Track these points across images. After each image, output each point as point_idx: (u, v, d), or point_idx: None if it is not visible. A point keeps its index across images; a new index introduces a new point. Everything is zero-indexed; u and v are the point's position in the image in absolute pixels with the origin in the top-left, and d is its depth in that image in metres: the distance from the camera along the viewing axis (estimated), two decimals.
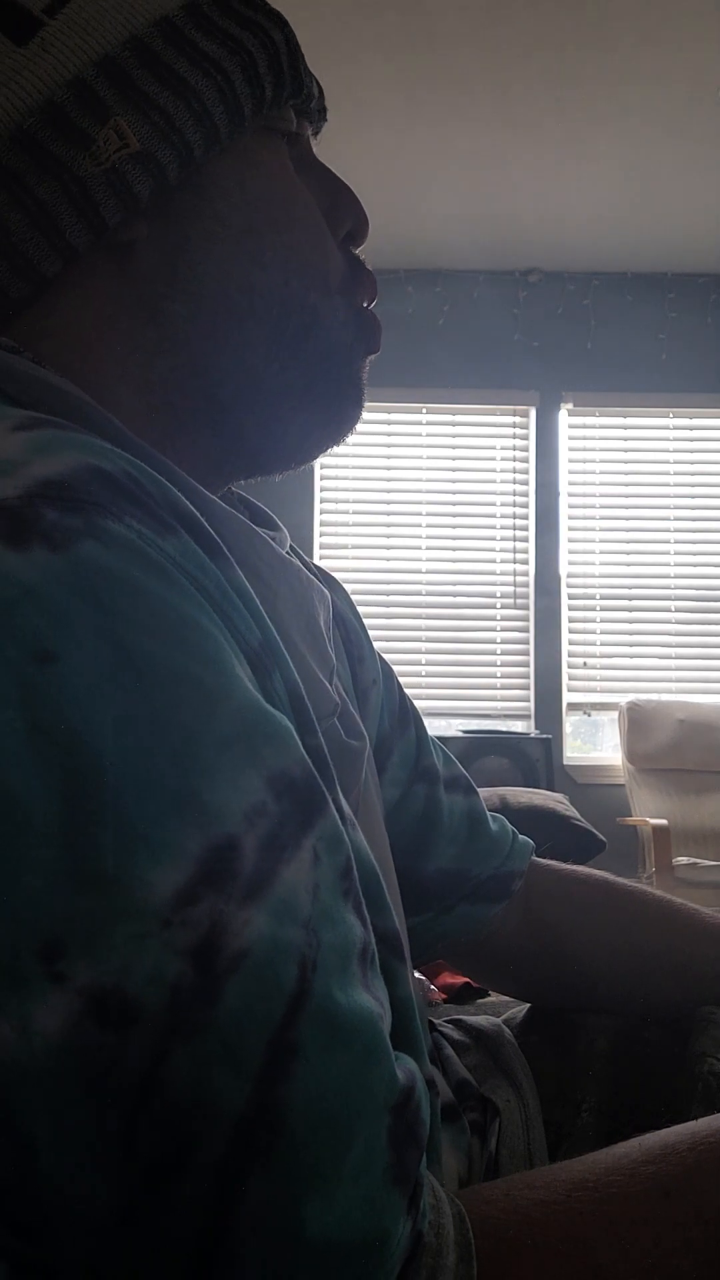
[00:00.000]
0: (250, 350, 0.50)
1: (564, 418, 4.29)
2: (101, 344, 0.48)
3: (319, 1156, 0.30)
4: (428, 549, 4.26)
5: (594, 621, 4.26)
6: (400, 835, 0.66)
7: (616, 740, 3.96)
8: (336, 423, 0.54)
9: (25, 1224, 0.29)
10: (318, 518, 4.22)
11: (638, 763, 3.82)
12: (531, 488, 4.26)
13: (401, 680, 0.73)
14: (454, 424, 4.33)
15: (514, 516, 4.29)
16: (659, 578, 4.27)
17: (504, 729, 3.99)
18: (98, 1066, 0.28)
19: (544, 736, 3.81)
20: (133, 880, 0.29)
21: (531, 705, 4.18)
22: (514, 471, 4.31)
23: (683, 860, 3.38)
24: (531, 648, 4.20)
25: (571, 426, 4.31)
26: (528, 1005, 0.78)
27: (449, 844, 0.69)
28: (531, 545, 4.24)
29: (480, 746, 3.65)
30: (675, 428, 4.32)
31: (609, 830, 3.30)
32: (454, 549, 4.28)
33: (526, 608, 4.23)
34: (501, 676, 4.24)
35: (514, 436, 4.33)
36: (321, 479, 4.25)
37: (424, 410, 4.29)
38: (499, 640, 4.25)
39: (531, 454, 4.27)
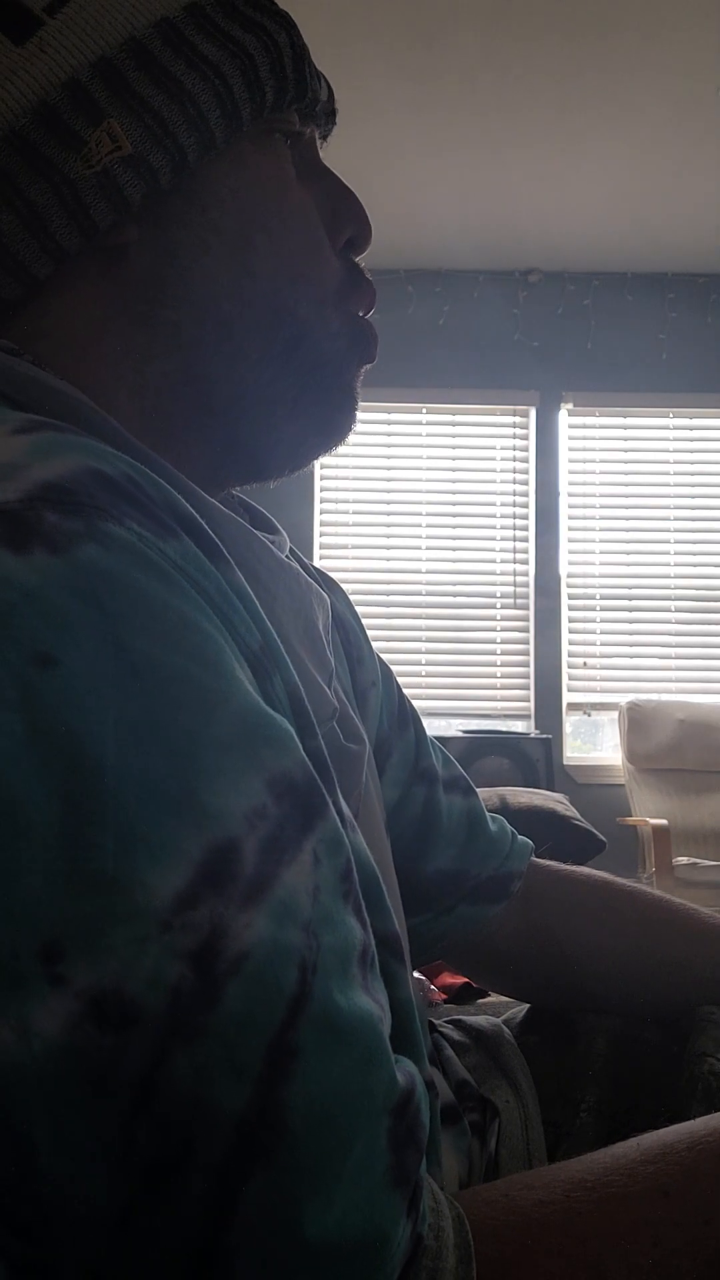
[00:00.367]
0: (241, 359, 0.49)
1: (564, 418, 4.28)
2: (95, 347, 0.48)
3: (319, 1159, 0.30)
4: (428, 549, 4.26)
5: (594, 621, 4.26)
6: (399, 836, 0.66)
7: (616, 740, 3.96)
8: (328, 431, 0.54)
9: (25, 1224, 0.29)
10: (318, 518, 4.22)
11: (638, 763, 3.82)
12: (531, 488, 4.26)
13: (401, 680, 0.73)
14: (454, 424, 4.33)
15: (514, 517, 4.29)
16: (659, 578, 4.27)
17: (504, 729, 3.99)
18: (97, 1068, 0.28)
19: (544, 736, 3.81)
20: (133, 883, 0.29)
21: (531, 705, 4.18)
22: (514, 471, 4.31)
23: (683, 860, 3.38)
24: (531, 648, 4.20)
25: (571, 426, 4.31)
26: (527, 1005, 0.78)
27: (448, 845, 0.69)
28: (531, 545, 4.24)
29: (480, 746, 3.65)
30: (675, 428, 4.32)
31: (609, 830, 3.30)
32: (454, 549, 4.28)
33: (526, 608, 4.23)
34: (501, 676, 4.24)
35: (514, 436, 4.33)
36: (321, 479, 4.24)
37: (424, 410, 4.29)
38: (499, 640, 4.25)
39: (531, 454, 4.27)
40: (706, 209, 3.75)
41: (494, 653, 4.25)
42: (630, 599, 4.26)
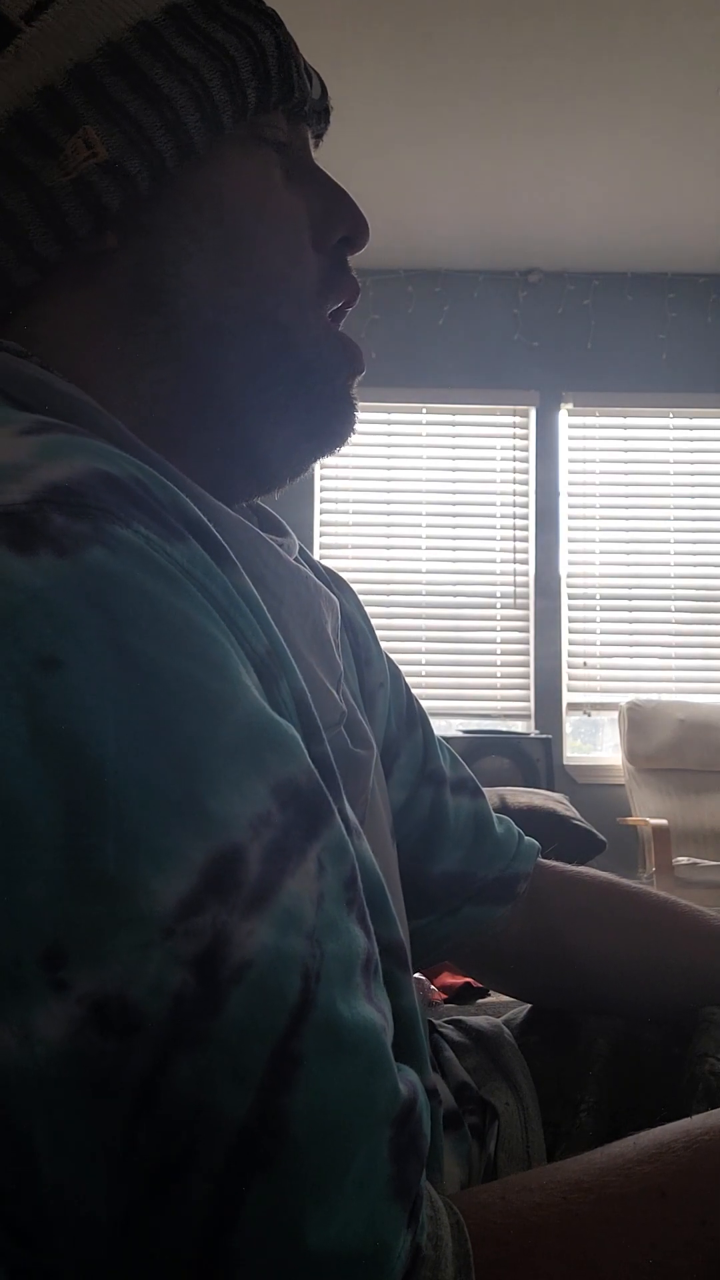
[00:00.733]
0: (229, 367, 0.49)
1: (564, 418, 4.28)
2: (87, 355, 0.47)
3: (320, 1168, 0.30)
4: (428, 549, 4.26)
5: (594, 621, 4.26)
6: (406, 838, 0.66)
7: (616, 740, 3.95)
8: (323, 437, 0.53)
9: (26, 1230, 0.29)
10: (318, 518, 4.22)
11: (638, 763, 3.81)
12: (531, 488, 4.26)
13: None
14: (454, 424, 4.32)
15: (514, 517, 4.29)
16: (659, 578, 4.27)
17: (504, 729, 3.99)
18: (99, 1074, 0.28)
19: (544, 736, 3.81)
20: (136, 888, 0.29)
21: (531, 705, 4.18)
22: (514, 471, 4.31)
23: (683, 860, 3.38)
24: (531, 648, 4.20)
25: (571, 426, 4.30)
26: (528, 1006, 0.78)
27: (455, 846, 0.69)
28: (531, 545, 4.24)
29: (480, 746, 3.64)
30: (675, 428, 4.32)
31: (609, 830, 3.29)
32: (454, 549, 4.27)
33: (526, 608, 4.23)
34: (501, 676, 4.23)
35: (514, 436, 4.32)
36: (321, 479, 4.24)
37: (424, 410, 4.29)
38: (499, 640, 4.25)
39: (531, 454, 4.27)
40: (706, 209, 3.75)
41: (494, 653, 4.24)
42: (630, 599, 4.26)
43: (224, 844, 0.30)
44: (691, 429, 4.33)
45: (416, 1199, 0.33)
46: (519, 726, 4.13)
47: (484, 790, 0.74)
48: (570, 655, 4.23)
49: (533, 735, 3.84)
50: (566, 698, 4.19)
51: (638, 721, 3.84)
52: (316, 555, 4.11)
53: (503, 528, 4.28)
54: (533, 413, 4.26)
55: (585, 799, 3.71)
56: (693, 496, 4.30)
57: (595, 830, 3.04)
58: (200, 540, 0.37)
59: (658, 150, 3.39)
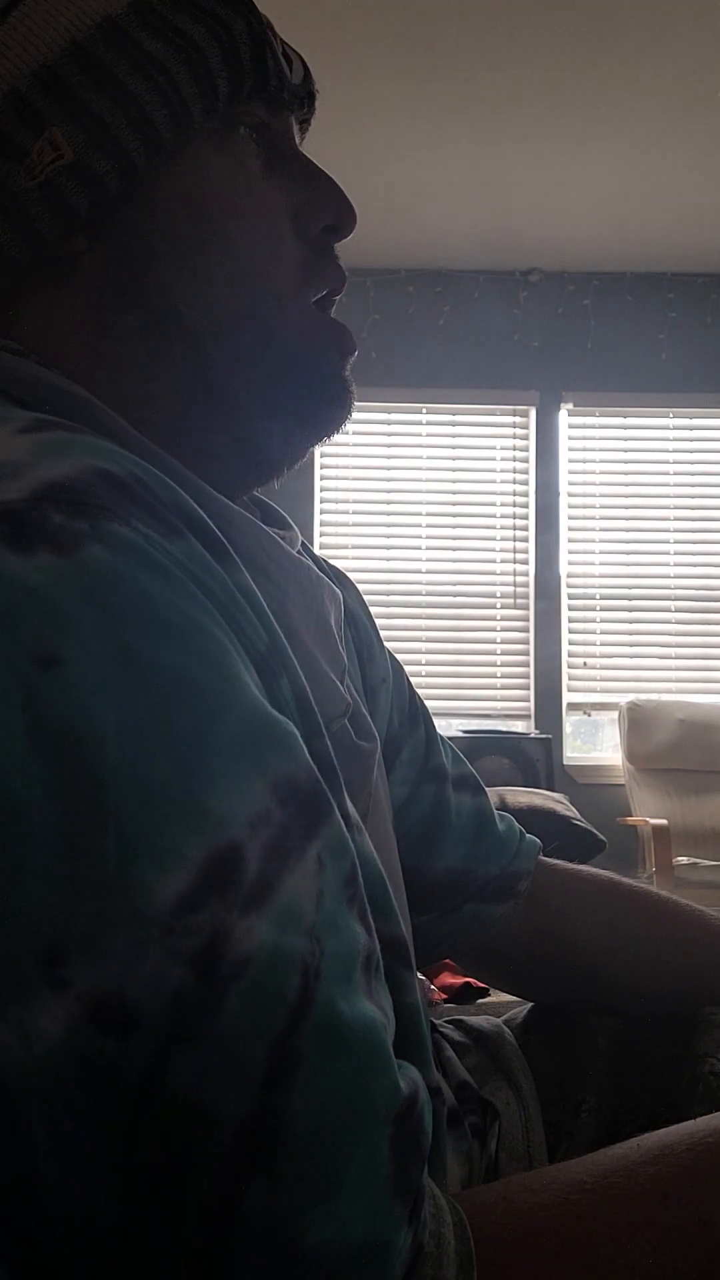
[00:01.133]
0: (210, 367, 0.48)
1: (564, 418, 4.28)
2: (69, 358, 0.47)
3: (320, 1165, 0.30)
4: (428, 549, 4.26)
5: (594, 621, 4.26)
6: (408, 834, 0.66)
7: (616, 740, 3.95)
8: (317, 424, 0.52)
9: (26, 1228, 0.29)
10: (318, 518, 4.22)
11: (638, 763, 3.81)
12: (531, 488, 4.26)
13: None
14: (454, 424, 4.32)
15: (514, 516, 4.29)
16: (659, 578, 4.27)
17: (504, 729, 3.99)
18: (98, 1072, 0.28)
19: (544, 736, 3.81)
20: (135, 886, 0.29)
21: (531, 705, 4.18)
22: (514, 471, 4.31)
23: (683, 860, 3.38)
24: (531, 648, 4.20)
25: (571, 426, 4.30)
26: (528, 1005, 0.78)
27: (456, 843, 0.69)
28: (531, 545, 4.24)
29: (480, 746, 3.65)
30: (675, 428, 4.32)
31: (609, 830, 3.29)
32: (454, 549, 4.27)
33: (526, 608, 4.22)
34: (501, 676, 4.23)
35: (514, 436, 4.32)
36: (321, 479, 4.24)
37: (424, 410, 4.29)
38: (499, 640, 4.25)
39: (531, 454, 4.27)
40: (706, 209, 3.75)
41: (494, 653, 4.24)
42: (630, 599, 4.26)
43: (223, 842, 0.30)
44: (691, 429, 4.33)
45: (418, 1196, 0.33)
46: (519, 726, 4.13)
47: (485, 788, 0.74)
48: (570, 655, 4.23)
49: (533, 735, 3.84)
50: (566, 698, 4.19)
51: (638, 721, 3.84)
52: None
53: (503, 528, 4.28)
54: (533, 413, 4.26)
55: (585, 799, 3.71)
56: (693, 496, 4.30)
57: (595, 830, 3.04)
58: (200, 537, 0.37)
59: (658, 150, 3.39)
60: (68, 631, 0.30)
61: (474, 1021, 0.76)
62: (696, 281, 4.23)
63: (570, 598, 4.24)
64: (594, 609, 4.26)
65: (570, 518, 4.27)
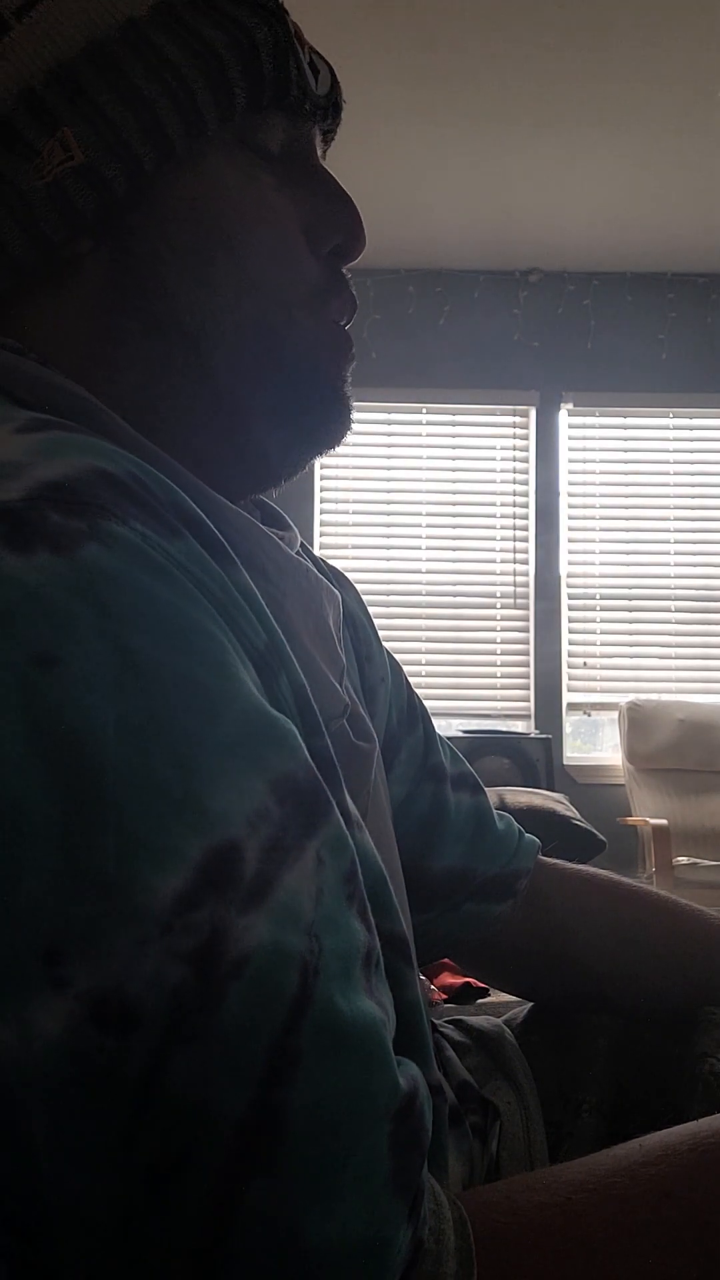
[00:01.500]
0: (213, 374, 0.48)
1: (564, 418, 4.28)
2: (70, 359, 0.46)
3: (320, 1163, 0.30)
4: (428, 549, 4.26)
5: (594, 621, 4.26)
6: (406, 833, 0.66)
7: (616, 740, 3.95)
8: (316, 438, 0.52)
9: (26, 1227, 0.29)
10: (318, 518, 4.22)
11: (638, 763, 3.81)
12: (531, 488, 4.26)
13: None
14: (454, 424, 4.32)
15: (514, 516, 4.29)
16: (659, 578, 4.27)
17: (504, 729, 3.99)
18: (98, 1071, 0.28)
19: (544, 736, 3.81)
20: (134, 885, 0.29)
21: (531, 705, 4.18)
22: (514, 471, 4.31)
23: (683, 860, 3.38)
24: (531, 648, 4.20)
25: (571, 426, 4.30)
26: (529, 1005, 0.78)
27: (455, 842, 0.69)
28: (531, 545, 4.24)
29: (480, 746, 3.65)
30: (675, 428, 4.32)
31: (609, 830, 3.29)
32: (454, 549, 4.27)
33: (526, 608, 4.23)
34: (501, 676, 4.24)
35: (514, 436, 4.32)
36: (321, 479, 4.24)
37: (424, 410, 4.29)
38: (499, 640, 4.25)
39: (531, 454, 4.27)
40: (706, 209, 3.75)
41: (494, 653, 4.25)
42: (630, 599, 4.26)
43: (221, 840, 0.30)
44: (691, 429, 4.33)
45: (418, 1193, 0.33)
46: (519, 726, 4.13)
47: (484, 788, 0.74)
48: (570, 655, 4.23)
49: (533, 735, 3.84)
50: (566, 698, 4.19)
51: (638, 721, 3.84)
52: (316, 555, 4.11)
53: (503, 528, 4.28)
54: (533, 413, 4.26)
55: (585, 799, 3.71)
56: (693, 496, 4.30)
57: (595, 830, 3.04)
58: (198, 537, 0.37)
59: (658, 150, 3.40)
60: (66, 631, 0.30)
61: (474, 1021, 0.76)
62: (696, 281, 4.24)
63: (570, 598, 4.24)
64: (594, 609, 4.26)
65: (570, 518, 4.27)
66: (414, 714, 0.70)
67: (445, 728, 3.94)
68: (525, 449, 4.30)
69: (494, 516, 4.29)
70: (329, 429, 0.52)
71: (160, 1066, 0.28)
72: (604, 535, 4.28)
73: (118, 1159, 0.28)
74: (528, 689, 4.21)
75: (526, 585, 4.23)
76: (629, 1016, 0.71)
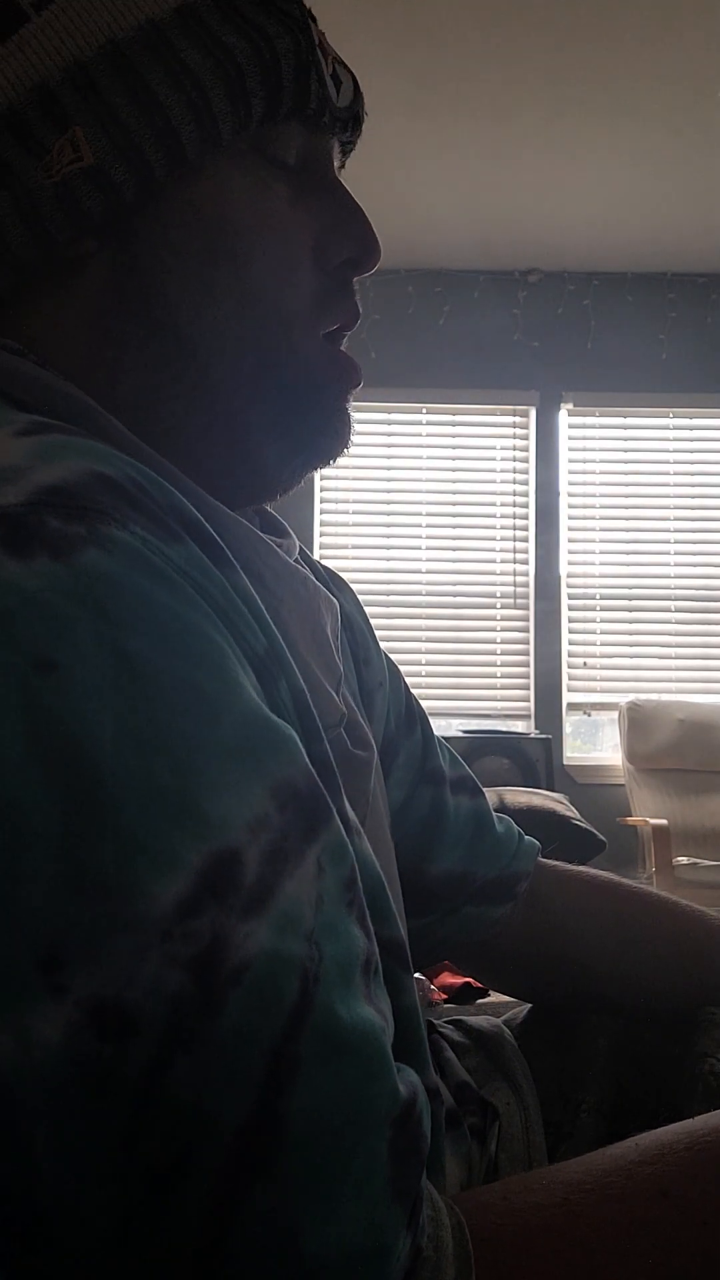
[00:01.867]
0: (211, 385, 0.47)
1: (564, 418, 4.28)
2: (70, 360, 0.46)
3: (319, 1171, 0.30)
4: (428, 549, 4.26)
5: (594, 622, 4.26)
6: (405, 837, 0.66)
7: (616, 740, 3.95)
8: (313, 453, 0.51)
9: (26, 1232, 0.29)
10: (318, 518, 4.22)
11: (638, 763, 3.81)
12: (531, 488, 4.26)
13: None
14: (454, 424, 4.32)
15: (514, 517, 4.29)
16: (659, 578, 4.27)
17: (504, 729, 3.99)
18: (97, 1077, 0.28)
19: (544, 736, 3.81)
20: (133, 891, 0.29)
21: (531, 705, 4.18)
22: (514, 471, 4.31)
23: (683, 860, 3.38)
24: (531, 648, 4.20)
25: (571, 426, 4.30)
26: (528, 1006, 0.78)
27: (454, 846, 0.69)
28: (531, 545, 4.24)
29: (480, 746, 3.65)
30: (675, 428, 4.32)
31: (609, 830, 3.30)
32: (454, 549, 4.27)
33: (526, 608, 4.22)
34: (501, 676, 4.23)
35: (514, 436, 4.32)
36: (321, 479, 4.24)
37: (424, 410, 4.29)
38: (499, 640, 4.25)
39: (531, 454, 4.27)
40: (706, 209, 3.75)
41: (494, 653, 4.24)
42: (630, 599, 4.26)
43: (221, 846, 0.30)
44: (691, 429, 4.33)
45: (416, 1200, 0.33)
46: (519, 726, 4.13)
47: (483, 790, 0.74)
48: (570, 655, 4.23)
49: (533, 735, 3.84)
50: (566, 698, 4.19)
51: (638, 721, 3.84)
52: (316, 555, 4.10)
53: (503, 528, 4.28)
54: (533, 413, 4.26)
55: (585, 799, 3.71)
56: (693, 496, 4.30)
57: (595, 830, 3.04)
58: (198, 541, 0.37)
59: (658, 150, 3.39)
60: (65, 636, 0.30)
61: (474, 1022, 0.76)
62: (696, 281, 4.23)
63: (570, 598, 4.24)
64: (594, 609, 4.26)
65: (570, 518, 4.27)
66: (412, 717, 0.70)
67: (445, 728, 3.94)
68: (525, 449, 4.30)
69: (494, 516, 4.29)
70: (327, 443, 0.51)
71: (160, 1073, 0.28)
72: (604, 535, 4.28)
73: (118, 1165, 0.28)
74: (528, 689, 4.21)
75: (526, 585, 4.23)
76: (628, 1017, 0.71)
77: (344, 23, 2.71)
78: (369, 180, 3.18)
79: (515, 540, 4.27)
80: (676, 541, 4.28)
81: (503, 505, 4.29)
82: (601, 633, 4.26)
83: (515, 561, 4.26)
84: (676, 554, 4.28)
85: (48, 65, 0.44)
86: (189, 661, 0.33)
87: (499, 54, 2.91)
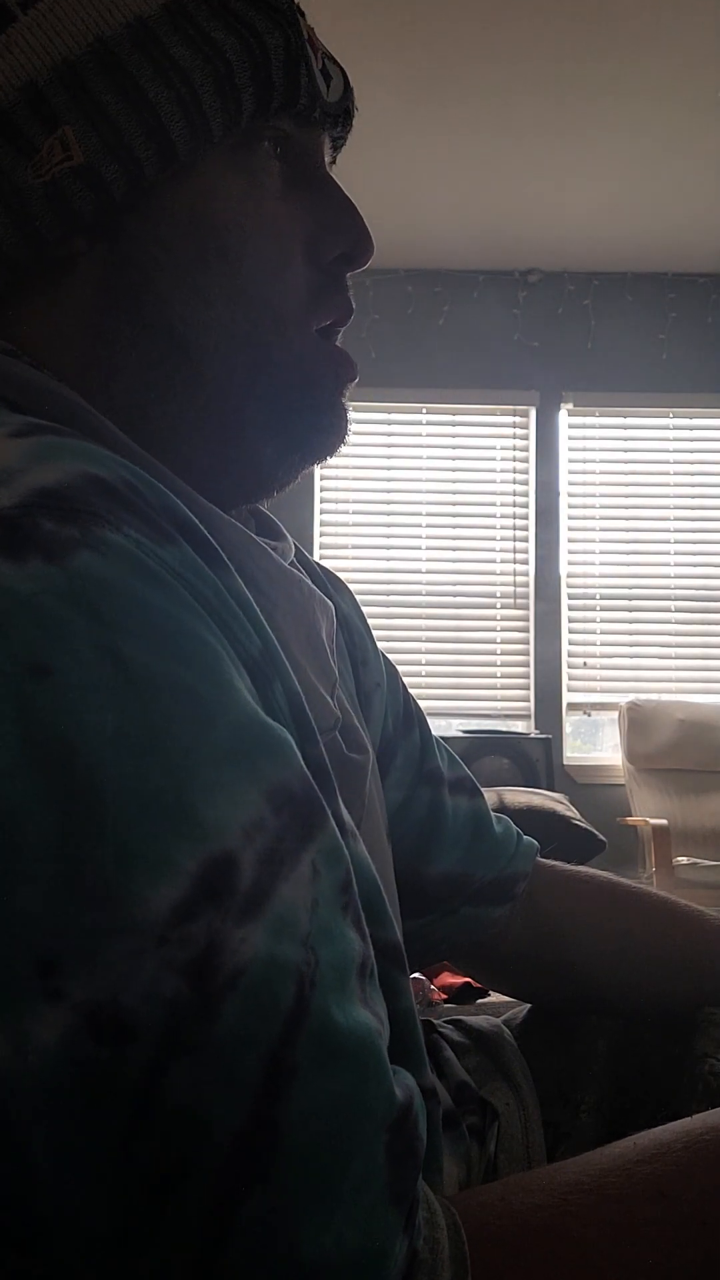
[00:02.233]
0: (204, 384, 0.47)
1: (564, 418, 4.28)
2: (63, 360, 0.46)
3: (316, 1176, 0.30)
4: (428, 549, 4.26)
5: (594, 621, 4.26)
6: (404, 838, 0.66)
7: (616, 740, 3.95)
8: (309, 447, 0.51)
9: (23, 1237, 0.29)
10: (318, 518, 4.22)
11: (638, 763, 3.81)
12: (531, 488, 4.26)
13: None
14: (454, 424, 4.32)
15: (514, 516, 4.29)
16: (659, 578, 4.27)
17: (504, 729, 3.99)
18: (94, 1082, 0.28)
19: (544, 736, 3.81)
20: (129, 896, 0.29)
21: (531, 705, 4.18)
22: (514, 471, 4.31)
23: (683, 860, 3.38)
24: (531, 648, 4.20)
25: (571, 426, 4.30)
26: (528, 1006, 0.78)
27: (452, 847, 0.69)
28: (531, 545, 4.24)
29: (480, 746, 3.64)
30: (675, 428, 4.32)
31: (609, 830, 3.30)
32: (454, 549, 4.27)
33: (526, 608, 4.22)
34: (501, 676, 4.23)
35: (514, 436, 4.32)
36: (321, 479, 4.24)
37: (424, 410, 4.29)
38: (499, 640, 4.25)
39: (531, 454, 4.27)
40: (706, 209, 3.75)
41: (494, 653, 4.24)
42: (630, 599, 4.26)
43: (217, 851, 0.30)
44: (691, 429, 4.33)
45: (413, 1203, 0.33)
46: (519, 726, 4.13)
47: (483, 790, 0.74)
48: (570, 655, 4.23)
49: (533, 735, 3.84)
50: (566, 698, 4.19)
51: (638, 721, 3.84)
52: (316, 556, 4.10)
53: (503, 528, 4.28)
54: (533, 413, 4.26)
55: (585, 799, 3.71)
56: (693, 496, 4.30)
57: (595, 830, 3.04)
58: (192, 542, 0.37)
59: (658, 150, 3.39)
60: (59, 640, 0.30)
61: (473, 1022, 0.76)
62: (696, 281, 4.23)
63: (570, 598, 4.24)
64: (594, 609, 4.26)
65: (570, 518, 4.27)
66: (410, 718, 0.70)
67: (445, 728, 3.94)
68: (525, 449, 4.30)
69: (494, 517, 4.28)
70: (322, 439, 0.51)
71: (156, 1078, 0.28)
72: (604, 535, 4.28)
73: (115, 1170, 0.28)
74: (528, 689, 4.21)
75: (526, 585, 4.23)
76: (628, 1017, 0.71)
77: (344, 23, 2.71)
78: (369, 180, 3.20)
79: (515, 540, 4.27)
80: (676, 541, 4.28)
81: (503, 505, 4.29)
82: (601, 633, 4.26)
83: (515, 561, 4.26)
84: (676, 554, 4.28)
85: (36, 64, 0.44)
86: (183, 665, 0.32)
87: (499, 54, 2.91)
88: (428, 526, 4.27)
